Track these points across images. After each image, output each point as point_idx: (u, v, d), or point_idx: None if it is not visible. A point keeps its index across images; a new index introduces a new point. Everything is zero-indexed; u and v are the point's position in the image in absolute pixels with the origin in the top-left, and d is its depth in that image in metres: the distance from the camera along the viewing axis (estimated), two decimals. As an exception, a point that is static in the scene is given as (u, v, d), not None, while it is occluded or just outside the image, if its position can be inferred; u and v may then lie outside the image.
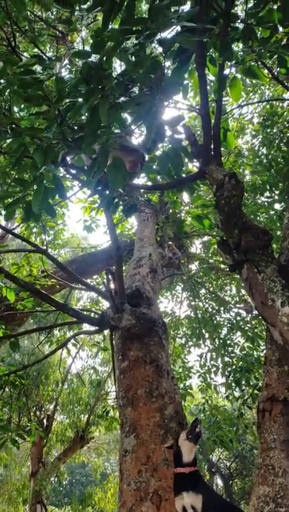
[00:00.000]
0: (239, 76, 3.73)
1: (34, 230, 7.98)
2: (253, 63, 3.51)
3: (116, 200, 3.46)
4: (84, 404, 12.78)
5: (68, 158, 3.26)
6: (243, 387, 7.02)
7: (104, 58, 2.13)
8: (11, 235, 10.09)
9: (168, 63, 2.68)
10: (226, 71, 3.48)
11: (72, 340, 6.79)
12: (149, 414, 3.07)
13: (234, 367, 7.36)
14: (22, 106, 3.47)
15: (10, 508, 13.78)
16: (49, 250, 4.18)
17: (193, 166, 4.93)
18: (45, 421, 13.06)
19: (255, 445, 14.66)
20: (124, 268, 4.99)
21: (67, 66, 6.31)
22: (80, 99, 2.32)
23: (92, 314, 5.08)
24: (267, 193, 7.13)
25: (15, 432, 4.94)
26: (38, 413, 13.31)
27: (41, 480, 11.85)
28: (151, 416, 3.05)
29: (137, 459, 2.80)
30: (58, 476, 13.36)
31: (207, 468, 17.37)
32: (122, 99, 2.28)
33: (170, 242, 7.02)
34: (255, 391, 6.45)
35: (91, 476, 19.92)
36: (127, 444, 2.96)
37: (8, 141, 2.96)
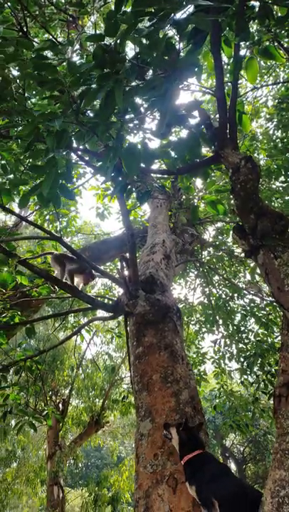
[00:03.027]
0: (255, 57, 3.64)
1: (47, 217, 8.02)
2: (269, 43, 3.42)
3: (129, 186, 3.44)
4: (99, 389, 12.98)
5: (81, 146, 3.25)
6: (258, 373, 7.03)
7: (118, 41, 2.09)
8: (24, 223, 10.16)
9: (182, 45, 2.62)
10: (242, 52, 3.40)
11: (87, 327, 6.86)
12: (164, 399, 3.09)
13: (248, 353, 7.37)
14: (35, 92, 3.46)
15: (28, 488, 14.19)
16: (63, 237, 4.18)
17: (207, 151, 4.86)
18: (60, 405, 13.34)
19: (268, 430, 14.75)
20: (137, 255, 4.99)
21: (79, 51, 6.24)
22: (94, 85, 2.29)
23: (106, 301, 5.11)
24: (282, 178, 7.01)
25: (32, 415, 5.04)
26: (53, 398, 13.58)
27: (58, 462, 12.15)
28: (166, 401, 3.07)
29: (152, 443, 2.83)
30: (75, 458, 13.66)
31: (221, 452, 17.56)
32: (137, 82, 2.24)
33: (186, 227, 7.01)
34: (270, 376, 6.46)
35: (106, 459, 20.34)
36: (143, 428, 2.99)
37: (20, 128, 2.95)
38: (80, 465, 17.96)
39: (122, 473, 13.97)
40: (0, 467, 14.01)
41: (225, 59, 3.92)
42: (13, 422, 12.36)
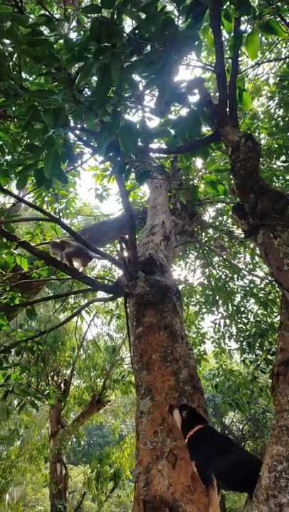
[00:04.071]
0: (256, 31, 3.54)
1: (46, 199, 7.96)
2: (270, 17, 3.32)
3: (128, 166, 3.40)
4: (100, 369, 13.15)
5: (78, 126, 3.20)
6: (257, 352, 7.11)
7: (115, 13, 2.03)
8: (23, 205, 10.10)
9: (181, 20, 2.55)
10: (242, 27, 3.31)
11: (87, 308, 6.90)
12: (163, 377, 3.12)
13: (248, 333, 7.43)
14: (31, 71, 3.38)
15: (31, 466, 14.53)
16: (62, 219, 4.17)
17: (207, 130, 4.79)
18: (62, 385, 13.55)
19: (267, 408, 14.99)
20: (137, 236, 4.98)
21: (76, 28, 6.08)
22: (91, 60, 2.24)
23: (106, 282, 5.13)
24: (283, 157, 6.92)
25: (34, 395, 5.12)
26: (55, 378, 13.77)
27: (61, 440, 12.40)
28: (166, 379, 3.11)
29: (152, 420, 2.88)
30: (77, 437, 13.94)
31: (220, 430, 17.89)
32: (134, 58, 2.18)
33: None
34: (269, 355, 6.53)
35: (108, 437, 20.77)
36: (143, 406, 3.04)
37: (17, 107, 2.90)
38: (82, 443, 18.35)
39: (124, 450, 14.28)
40: (4, 445, 14.31)
41: (225, 34, 3.82)
42: (15, 402, 12.58)
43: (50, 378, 13.16)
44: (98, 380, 13.40)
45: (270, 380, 2.33)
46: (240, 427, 18.97)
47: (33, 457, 14.35)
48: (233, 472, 2.10)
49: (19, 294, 5.05)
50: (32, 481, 19.94)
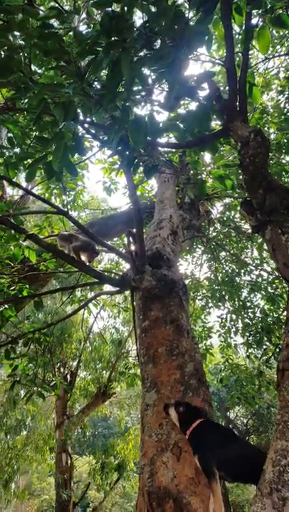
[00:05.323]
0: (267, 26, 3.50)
1: (54, 191, 7.98)
2: (282, 11, 3.28)
3: (136, 160, 3.40)
4: (106, 361, 13.24)
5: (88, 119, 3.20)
6: (264, 347, 7.11)
7: (126, 7, 2.02)
8: (31, 198, 10.14)
9: (191, 14, 2.53)
10: (253, 21, 3.28)
11: (94, 301, 6.94)
12: (169, 371, 3.15)
13: (254, 328, 7.43)
14: (41, 64, 3.38)
15: (37, 455, 14.72)
16: (70, 212, 4.18)
17: (216, 124, 4.77)
18: (68, 377, 13.68)
19: (272, 403, 15.01)
20: (144, 230, 4.99)
21: (86, 21, 6.06)
22: (101, 54, 2.23)
23: (113, 275, 5.15)
24: (292, 152, 6.87)
25: (40, 385, 5.18)
26: (61, 369, 13.90)
27: (66, 431, 12.54)
28: (171, 373, 3.13)
29: (158, 413, 2.91)
30: (82, 428, 14.08)
31: (224, 424, 17.95)
32: (145, 51, 2.17)
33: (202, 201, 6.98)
34: (277, 350, 6.53)
35: (112, 429, 20.94)
36: (149, 398, 3.07)
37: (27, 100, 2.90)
38: (87, 434, 18.53)
39: (128, 442, 14.39)
40: (10, 435, 14.50)
41: (236, 28, 3.79)
42: (22, 393, 12.72)
43: (56, 370, 13.29)
44: (104, 372, 13.50)
45: (276, 376, 2.34)
46: (245, 421, 19.03)
47: (39, 447, 14.53)
48: (236, 464, 2.12)
49: (27, 286, 5.10)
50: (38, 471, 20.20)
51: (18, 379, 5.07)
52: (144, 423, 2.98)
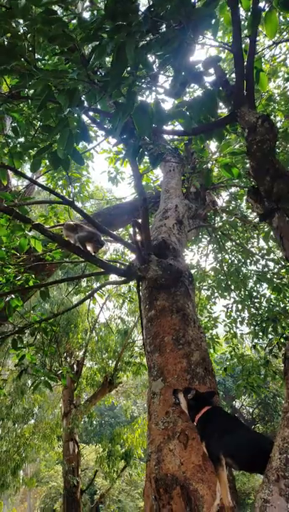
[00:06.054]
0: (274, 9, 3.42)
1: (60, 182, 7.96)
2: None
3: (141, 149, 3.36)
4: (112, 351, 13.32)
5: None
6: (270, 336, 7.11)
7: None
8: (36, 188, 10.13)
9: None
10: (261, 4, 3.21)
11: (99, 291, 6.95)
12: (176, 359, 3.15)
13: (260, 318, 7.42)
14: (44, 51, 3.34)
15: (45, 443, 14.93)
16: (75, 202, 4.16)
17: (221, 112, 4.71)
18: (75, 366, 13.79)
19: (278, 393, 15.07)
20: (150, 220, 4.96)
21: (89, 8, 5.98)
22: (105, 39, 2.20)
23: (119, 265, 5.14)
24: (299, 140, 6.77)
25: (47, 375, 5.21)
26: (68, 359, 14.01)
27: (73, 420, 12.68)
28: (178, 362, 3.13)
29: (164, 401, 2.92)
30: (89, 417, 14.22)
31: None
32: (150, 36, 2.13)
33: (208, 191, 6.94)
34: (283, 340, 6.53)
35: (119, 418, 21.15)
36: (155, 387, 3.08)
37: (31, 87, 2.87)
38: (94, 423, 18.73)
39: (135, 430, 14.52)
40: (18, 424, 14.69)
41: (242, 12, 3.71)
42: (29, 382, 12.86)
43: (63, 359, 13.40)
44: (110, 361, 13.59)
45: (282, 365, 2.33)
46: (251, 410, 19.13)
47: (47, 435, 14.73)
48: (243, 451, 2.13)
49: (33, 276, 5.11)
50: (45, 459, 20.49)
51: (25, 368, 5.11)
52: (151, 411, 3.00)
